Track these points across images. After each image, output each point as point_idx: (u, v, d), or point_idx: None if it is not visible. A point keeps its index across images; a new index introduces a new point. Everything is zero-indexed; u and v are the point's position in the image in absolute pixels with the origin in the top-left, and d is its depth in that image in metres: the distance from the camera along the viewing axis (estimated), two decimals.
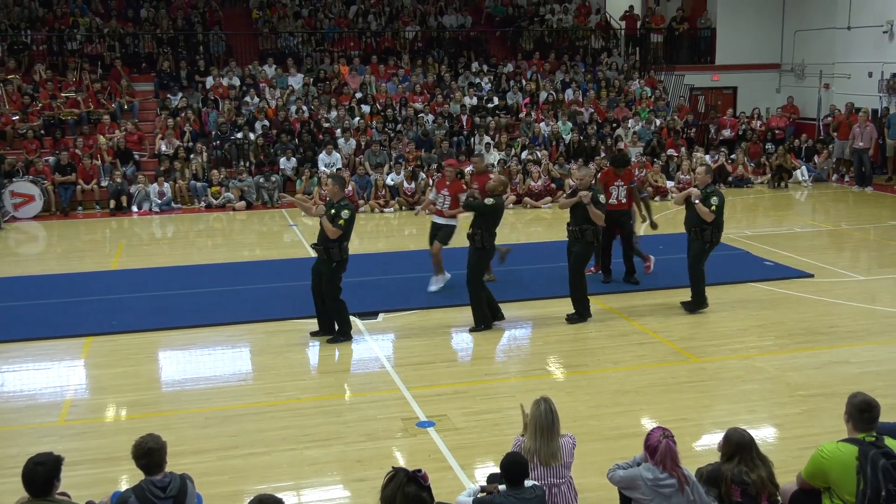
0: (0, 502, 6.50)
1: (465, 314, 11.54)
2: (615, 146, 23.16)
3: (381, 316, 11.84)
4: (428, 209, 13.39)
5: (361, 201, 20.41)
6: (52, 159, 20.94)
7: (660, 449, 5.64)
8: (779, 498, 5.84)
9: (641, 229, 14.40)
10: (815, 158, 23.86)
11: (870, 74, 24.28)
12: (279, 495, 5.12)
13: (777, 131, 25.37)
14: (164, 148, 21.92)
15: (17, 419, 8.77)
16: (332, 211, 10.50)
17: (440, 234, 12.79)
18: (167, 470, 5.63)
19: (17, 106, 22.52)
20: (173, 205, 20.63)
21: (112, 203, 20.22)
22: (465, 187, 13.09)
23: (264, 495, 5.13)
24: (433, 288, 12.84)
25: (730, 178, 22.75)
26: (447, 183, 12.83)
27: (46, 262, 15.92)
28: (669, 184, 21.48)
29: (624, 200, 12.92)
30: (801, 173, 23.12)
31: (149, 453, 5.57)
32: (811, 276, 13.45)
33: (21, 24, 25.43)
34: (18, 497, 5.59)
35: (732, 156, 23.42)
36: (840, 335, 10.83)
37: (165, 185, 20.66)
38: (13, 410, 9.01)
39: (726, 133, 25.14)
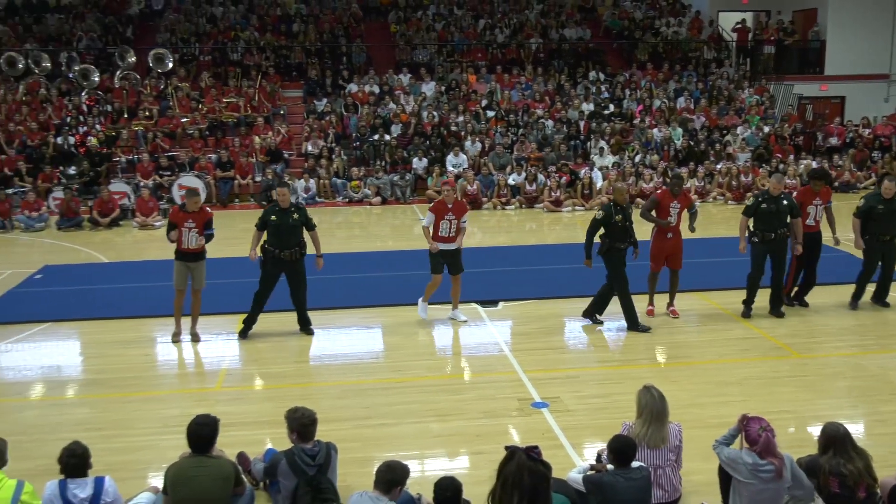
0: (164, 456, 6.77)
1: (578, 305, 11.45)
2: (724, 151, 22.52)
3: (500, 304, 11.85)
4: (433, 239, 10.81)
5: (485, 199, 20.52)
6: (214, 157, 21.78)
7: (760, 443, 5.53)
8: (877, 490, 5.60)
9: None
10: None
11: None
12: (405, 463, 5.21)
13: (883, 139, 24.16)
14: (310, 148, 22.50)
15: (181, 384, 9.20)
16: (296, 216, 10.31)
17: (460, 260, 10.95)
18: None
19: (186, 109, 23.51)
20: (317, 199, 21.15)
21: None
22: (468, 208, 11.25)
23: (392, 461, 5.23)
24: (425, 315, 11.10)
25: (836, 184, 21.79)
26: (449, 206, 10.69)
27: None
28: None
29: (821, 220, 11.27)
30: None
31: (315, 422, 5.73)
32: None
33: (190, 38, 26.55)
34: (181, 452, 5.87)
35: (839, 162, 22.43)
36: None
37: (311, 181, 21.19)
38: (177, 377, 9.47)
39: (833, 140, 24.09)
